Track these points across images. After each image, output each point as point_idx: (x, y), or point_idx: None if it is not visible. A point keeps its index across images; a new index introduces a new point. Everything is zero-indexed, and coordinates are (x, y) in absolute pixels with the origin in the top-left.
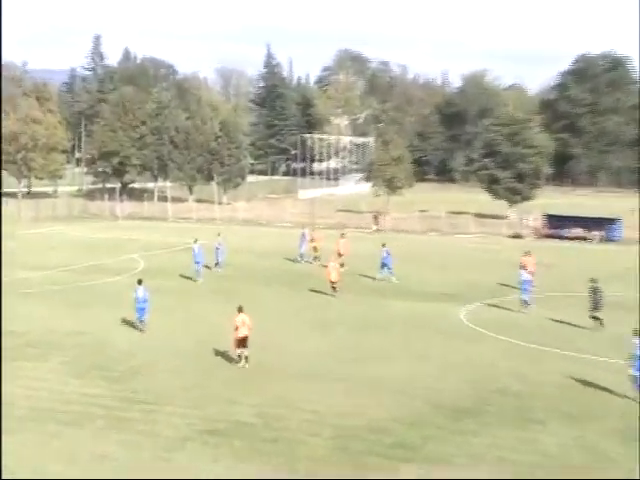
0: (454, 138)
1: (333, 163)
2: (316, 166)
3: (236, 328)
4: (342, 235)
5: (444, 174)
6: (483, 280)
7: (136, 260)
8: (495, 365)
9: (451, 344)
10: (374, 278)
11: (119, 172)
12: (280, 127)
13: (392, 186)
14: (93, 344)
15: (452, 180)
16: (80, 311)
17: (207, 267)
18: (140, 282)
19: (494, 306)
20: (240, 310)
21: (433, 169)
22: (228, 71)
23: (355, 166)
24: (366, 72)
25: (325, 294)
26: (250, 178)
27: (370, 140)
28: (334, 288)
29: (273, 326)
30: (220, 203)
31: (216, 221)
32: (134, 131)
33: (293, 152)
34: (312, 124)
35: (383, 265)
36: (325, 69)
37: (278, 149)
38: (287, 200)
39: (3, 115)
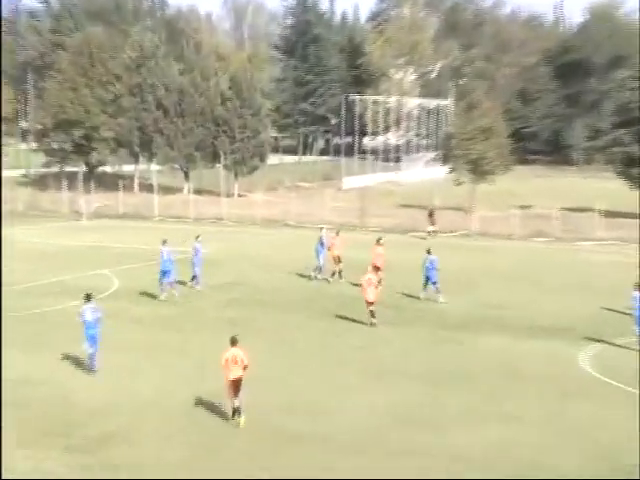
0: (572, 100)
1: (393, 137)
2: (368, 142)
3: (225, 366)
4: (378, 241)
5: (557, 152)
6: (613, 309)
7: (107, 277)
8: (632, 434)
9: (565, 402)
10: (418, 297)
11: (83, 150)
12: (316, 85)
13: (479, 170)
14: (48, 398)
15: (569, 161)
16: (31, 350)
17: (181, 283)
18: (89, 298)
19: (628, 348)
20: (233, 343)
21: (541, 145)
22: (241, 4)
23: (425, 141)
24: (442, 5)
25: (361, 323)
26: (273, 159)
27: (447, 103)
28: (372, 313)
29: (301, 375)
30: (229, 195)
31: (223, 221)
32: (105, 91)
33: (334, 121)
34: (362, 80)
35: (427, 280)
36: (382, 1)
37: (313, 117)
38: (326, 191)
39: None
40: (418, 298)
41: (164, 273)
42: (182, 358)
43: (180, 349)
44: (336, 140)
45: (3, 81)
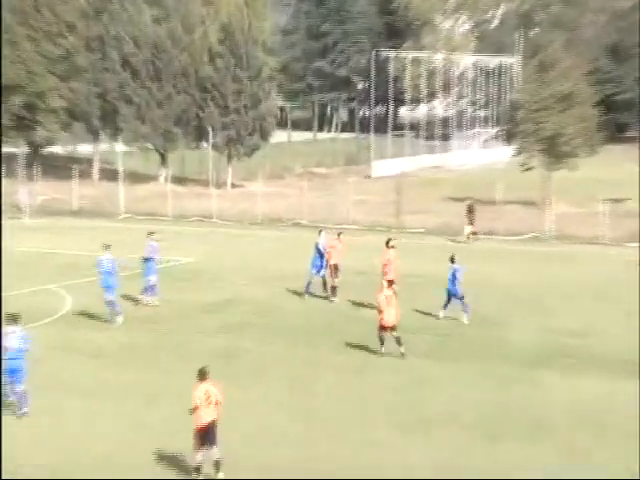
0: None
1: (440, 107)
2: (406, 113)
3: (195, 408)
4: (388, 243)
5: None
6: None
7: (56, 294)
8: None
9: None
10: (437, 316)
11: (24, 124)
12: (336, 37)
13: (556, 151)
14: None
15: None
16: None
17: (133, 299)
18: (14, 321)
19: None
20: (203, 376)
21: (638, 117)
22: None
23: (483, 113)
24: None
25: (391, 356)
26: (279, 136)
27: (513, 62)
28: (398, 340)
29: (317, 427)
30: (221, 185)
31: (213, 220)
32: (54, 45)
33: (361, 86)
34: (398, 31)
35: (450, 295)
36: None
37: (332, 80)
38: (349, 179)
39: None
40: (461, 322)
41: (107, 289)
42: (151, 404)
43: (149, 392)
44: (363, 111)
45: None
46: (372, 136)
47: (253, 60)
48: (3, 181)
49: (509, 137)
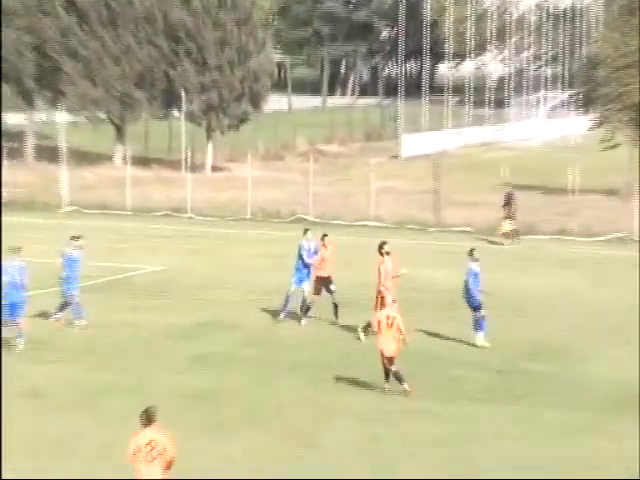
0: None
1: (492, 63)
2: (446, 71)
3: (133, 461)
4: (382, 248)
5: None
6: None
7: None
8: None
9: None
10: (475, 345)
11: None
12: None
13: None
14: None
15: None
16: None
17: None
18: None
19: None
20: (148, 420)
21: None
22: None
23: (550, 70)
24: None
25: (426, 399)
26: (276, 102)
27: (590, 2)
28: (396, 374)
29: None
30: (196, 168)
31: (187, 215)
32: None
33: (386, 34)
34: None
35: (474, 305)
36: None
37: (348, 26)
38: (371, 160)
39: None
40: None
41: (12, 307)
42: (102, 456)
43: (100, 443)
44: (389, 69)
45: None
46: (401, 102)
47: (242, 0)
48: None
49: (586, 103)
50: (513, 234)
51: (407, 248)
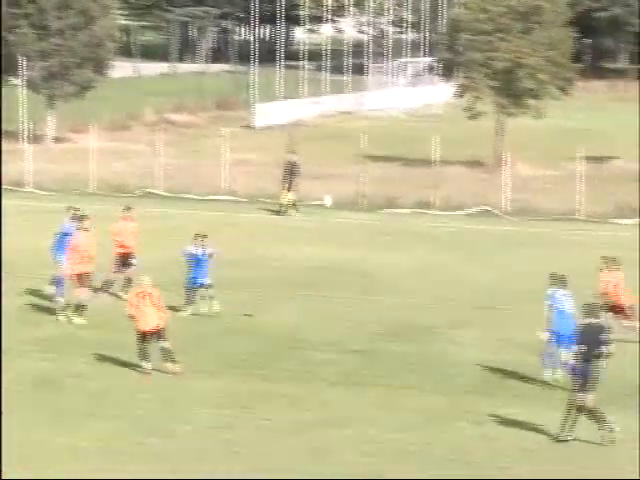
0: None
1: (350, 28)
2: (302, 36)
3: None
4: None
5: None
6: None
7: None
8: None
9: None
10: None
11: None
12: None
13: (515, 91)
14: None
15: None
16: None
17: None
18: None
19: None
20: None
21: (631, 41)
22: None
23: (411, 36)
24: None
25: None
26: (122, 68)
27: None
28: (168, 353)
29: None
30: (37, 139)
31: (26, 189)
32: None
33: None
34: None
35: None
36: None
37: None
38: (224, 130)
39: None
40: (381, 333)
41: None
42: None
43: None
44: (242, 34)
45: None
46: (254, 69)
47: None
48: None
49: (449, 71)
50: (294, 205)
51: (261, 224)
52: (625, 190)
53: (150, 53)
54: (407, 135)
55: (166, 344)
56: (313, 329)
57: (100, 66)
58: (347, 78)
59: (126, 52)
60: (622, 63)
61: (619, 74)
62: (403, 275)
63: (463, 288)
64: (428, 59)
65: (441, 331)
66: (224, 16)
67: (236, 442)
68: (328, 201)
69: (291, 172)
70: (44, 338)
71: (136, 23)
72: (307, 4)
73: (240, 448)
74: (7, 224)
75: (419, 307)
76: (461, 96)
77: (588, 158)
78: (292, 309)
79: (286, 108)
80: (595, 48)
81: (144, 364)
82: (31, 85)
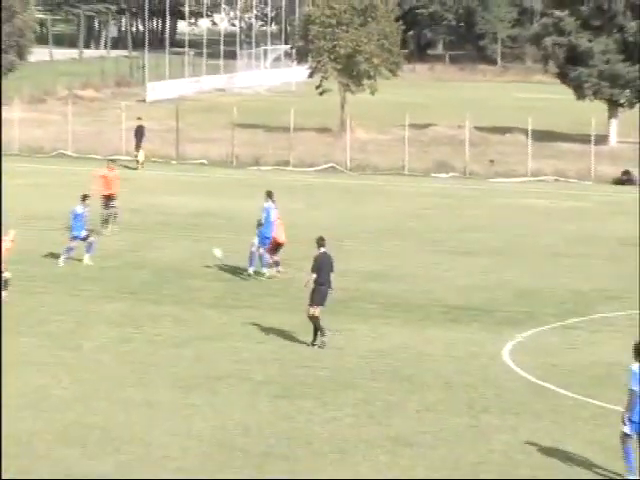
0: None
1: (223, 22)
2: (185, 28)
3: None
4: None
5: (468, 44)
6: (553, 283)
7: None
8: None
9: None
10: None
11: None
12: None
13: (354, 72)
14: None
15: (486, 58)
16: None
17: None
18: None
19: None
20: None
21: (445, 34)
22: None
23: (272, 28)
24: None
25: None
26: (39, 54)
27: None
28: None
29: (92, 388)
30: None
31: None
32: None
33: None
34: None
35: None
36: None
37: None
38: (121, 104)
39: None
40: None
41: None
42: None
43: None
44: (136, 26)
45: None
46: (146, 54)
47: None
48: None
49: (302, 55)
50: (145, 161)
51: (153, 178)
52: (442, 151)
53: (62, 41)
54: (269, 107)
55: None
56: (193, 263)
57: (21, 52)
58: (221, 62)
59: (42, 41)
60: (440, 50)
61: (437, 59)
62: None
63: (311, 229)
64: (286, 46)
65: (293, 263)
66: (122, 11)
67: (131, 353)
68: (218, 253)
69: (139, 134)
70: None
71: (50, 17)
72: (188, 2)
73: (134, 358)
74: None
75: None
76: (312, 76)
77: (412, 125)
78: (176, 247)
79: (172, 86)
80: (418, 38)
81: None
82: None
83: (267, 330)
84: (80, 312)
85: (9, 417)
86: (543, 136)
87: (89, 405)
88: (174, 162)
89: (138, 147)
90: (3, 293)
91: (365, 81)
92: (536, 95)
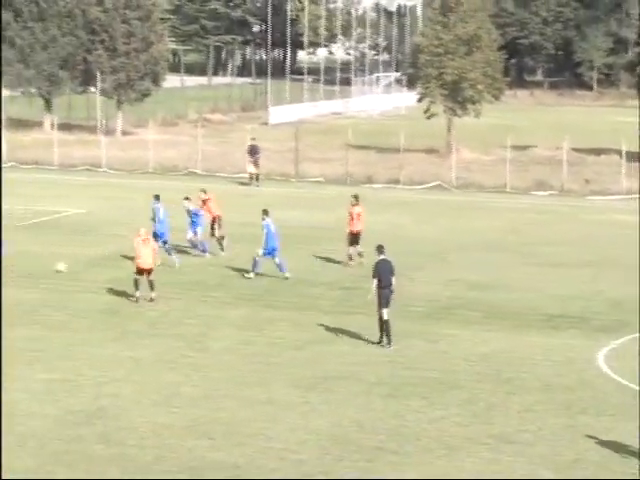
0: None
1: (340, 51)
2: (304, 56)
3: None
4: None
5: (566, 72)
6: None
7: None
8: None
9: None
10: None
11: None
12: None
13: (459, 97)
14: None
15: (582, 84)
16: None
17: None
18: None
19: None
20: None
21: (544, 62)
22: None
23: (384, 56)
24: None
25: (288, 309)
26: (172, 81)
27: (415, 3)
28: (152, 285)
29: (216, 386)
30: (109, 132)
31: (101, 169)
32: None
33: (257, 28)
34: None
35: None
36: None
37: (228, 22)
38: (246, 126)
39: None
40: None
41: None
42: (35, 362)
43: (34, 348)
44: (260, 55)
45: None
46: (269, 81)
47: (144, 1)
48: None
49: (411, 82)
50: (256, 177)
51: (273, 194)
52: (541, 170)
53: (192, 70)
54: (381, 130)
55: (152, 277)
56: (310, 272)
57: (155, 79)
58: (337, 88)
59: (175, 69)
60: (539, 77)
61: (537, 85)
62: (372, 232)
63: (419, 242)
64: (396, 73)
65: (404, 273)
66: (246, 42)
67: (253, 355)
68: (61, 267)
69: (254, 152)
70: (110, 279)
71: (182, 47)
72: (307, 33)
73: (256, 359)
74: (90, 196)
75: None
76: (420, 101)
77: (513, 146)
78: (293, 257)
79: (292, 110)
80: (520, 66)
81: (137, 293)
82: (104, 93)
83: (373, 334)
84: (208, 316)
85: (145, 412)
86: (636, 156)
87: (216, 401)
88: (293, 180)
89: (253, 164)
90: (153, 294)
91: (470, 105)
92: (630, 119)
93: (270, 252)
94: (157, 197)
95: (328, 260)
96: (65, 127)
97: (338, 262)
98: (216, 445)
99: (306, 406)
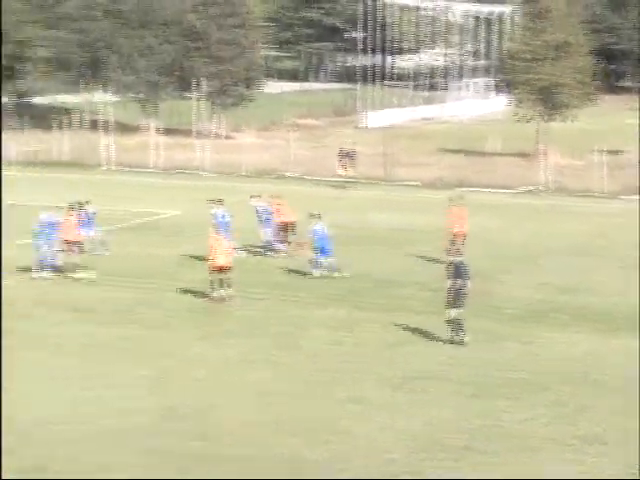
0: None
1: (433, 57)
2: (398, 62)
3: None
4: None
5: None
6: None
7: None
8: None
9: None
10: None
11: (10, 74)
12: None
13: (551, 102)
14: None
15: None
16: None
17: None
18: None
19: None
20: None
21: (637, 67)
22: None
23: (477, 62)
24: None
25: (373, 310)
26: (269, 87)
27: (508, 10)
28: (229, 284)
29: (305, 385)
30: (207, 136)
31: (200, 172)
32: None
33: (351, 35)
34: None
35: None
36: None
37: (321, 29)
38: (339, 131)
39: None
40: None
41: None
42: (136, 361)
43: (130, 347)
44: (354, 61)
45: None
46: (363, 86)
47: (239, 8)
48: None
49: (504, 87)
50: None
51: (363, 197)
52: (631, 174)
53: (287, 75)
54: (472, 134)
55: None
56: (400, 273)
57: (252, 84)
58: (430, 93)
59: (270, 74)
60: (631, 82)
61: (628, 90)
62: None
63: (508, 245)
64: (488, 79)
65: (492, 275)
66: (339, 49)
67: (342, 355)
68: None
69: (348, 157)
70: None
71: (277, 53)
72: (401, 39)
73: (345, 359)
74: (185, 198)
75: (476, 258)
76: (512, 106)
77: (604, 151)
78: (382, 259)
79: (385, 115)
80: (610, 71)
81: (215, 293)
82: (202, 98)
83: (467, 335)
84: (297, 317)
85: (234, 409)
86: None
87: (305, 400)
88: (383, 183)
89: (346, 167)
90: (222, 291)
91: (564, 110)
92: None
93: (323, 252)
94: (219, 201)
95: (427, 260)
96: (166, 131)
97: (433, 262)
98: (306, 442)
99: (394, 406)
